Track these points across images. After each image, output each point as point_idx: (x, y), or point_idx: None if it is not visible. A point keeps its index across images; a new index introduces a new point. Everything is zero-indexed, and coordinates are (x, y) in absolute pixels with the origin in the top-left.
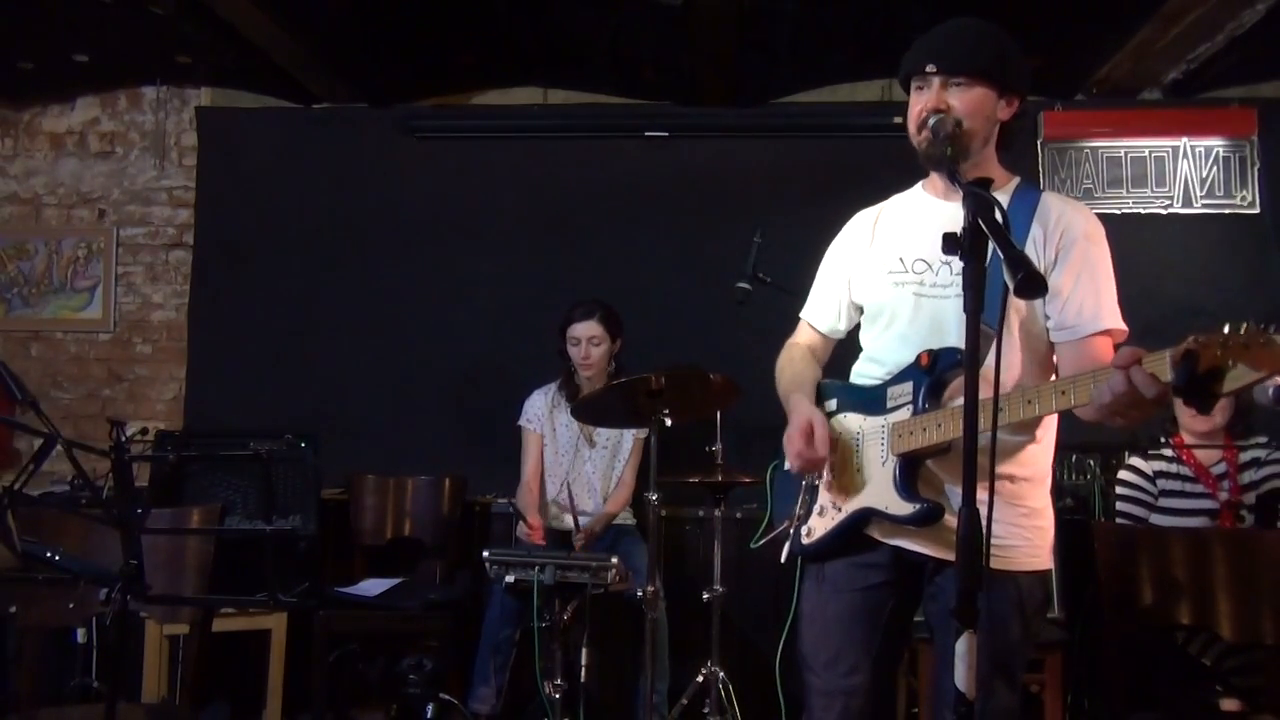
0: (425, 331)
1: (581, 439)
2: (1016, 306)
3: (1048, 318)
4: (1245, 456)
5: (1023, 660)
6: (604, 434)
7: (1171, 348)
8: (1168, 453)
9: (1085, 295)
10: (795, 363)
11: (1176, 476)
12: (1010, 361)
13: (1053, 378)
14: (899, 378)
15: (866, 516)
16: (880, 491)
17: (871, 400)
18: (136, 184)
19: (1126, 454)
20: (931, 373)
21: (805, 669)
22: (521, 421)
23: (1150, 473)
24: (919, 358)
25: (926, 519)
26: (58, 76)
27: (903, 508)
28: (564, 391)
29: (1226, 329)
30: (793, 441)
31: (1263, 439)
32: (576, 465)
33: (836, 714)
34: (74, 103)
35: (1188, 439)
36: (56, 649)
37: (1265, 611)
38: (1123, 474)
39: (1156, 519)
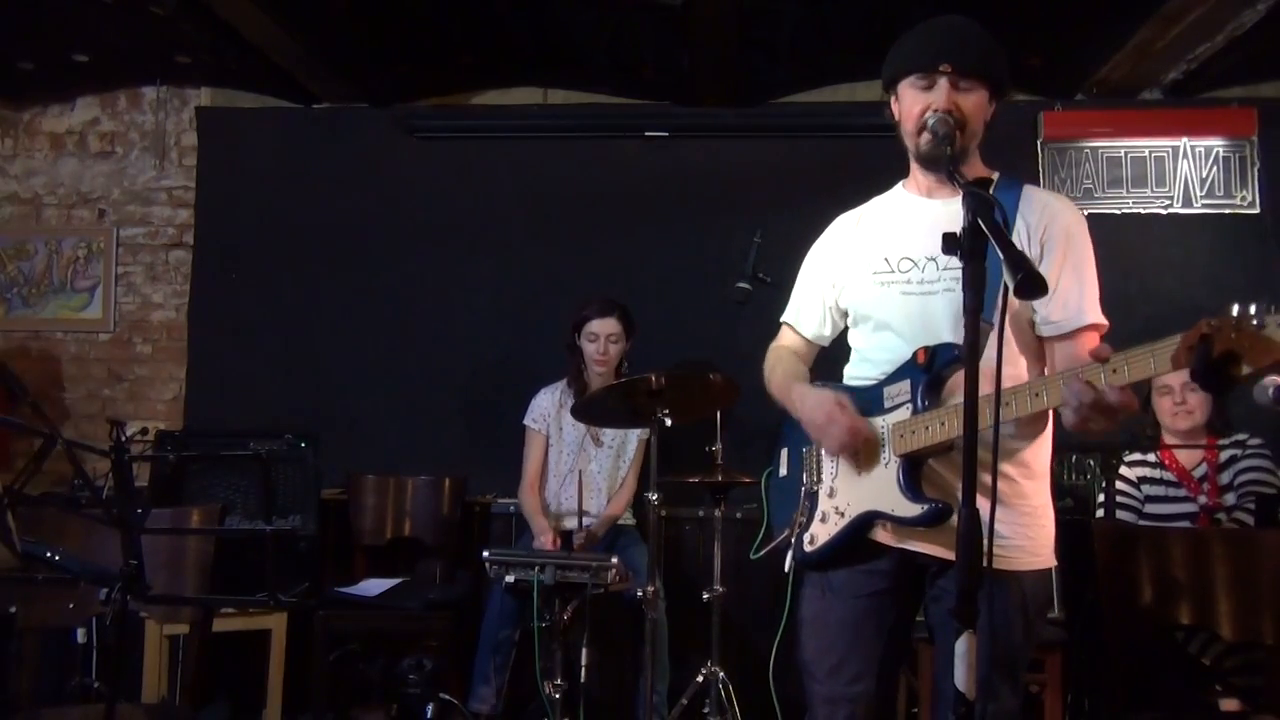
0: (425, 331)
1: (588, 438)
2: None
3: (1034, 311)
4: (1223, 456)
5: (1025, 661)
6: (610, 434)
7: (1183, 332)
8: (1151, 457)
9: (1070, 289)
10: (784, 361)
11: (1160, 481)
12: (1010, 355)
13: (1046, 371)
14: (895, 376)
15: (871, 520)
16: (885, 494)
17: (868, 401)
18: (136, 184)
19: (1125, 454)
20: (929, 370)
21: (808, 676)
22: (527, 421)
23: (1134, 479)
24: (915, 355)
25: (935, 519)
26: (58, 76)
27: (910, 509)
28: (573, 389)
29: (1236, 309)
30: (834, 421)
31: (1243, 436)
32: (582, 464)
33: None
34: (74, 103)
35: (1169, 439)
36: (56, 649)
37: (1265, 611)
38: (1116, 481)
39: (1144, 525)
